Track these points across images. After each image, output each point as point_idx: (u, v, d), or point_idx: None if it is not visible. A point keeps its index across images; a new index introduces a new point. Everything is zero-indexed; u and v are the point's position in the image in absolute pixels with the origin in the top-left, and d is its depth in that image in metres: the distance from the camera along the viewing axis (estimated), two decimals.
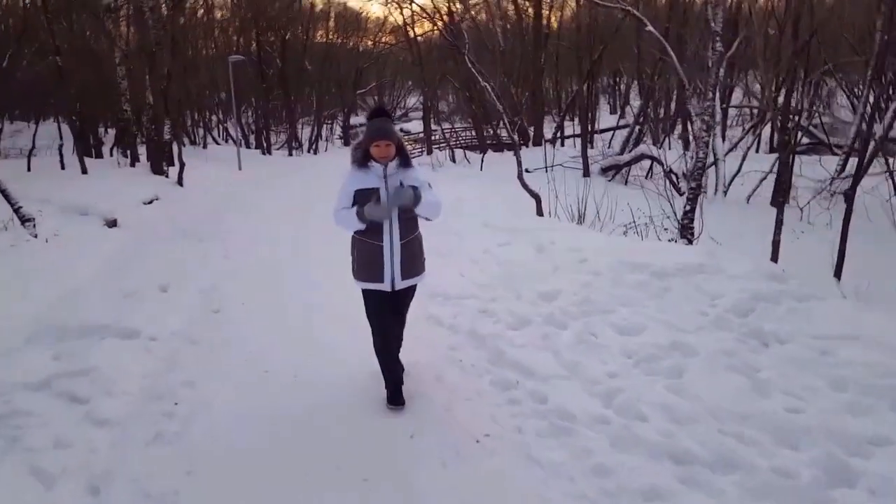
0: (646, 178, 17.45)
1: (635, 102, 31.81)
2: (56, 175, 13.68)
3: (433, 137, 26.64)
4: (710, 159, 14.05)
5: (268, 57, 30.17)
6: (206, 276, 6.85)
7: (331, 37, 35.79)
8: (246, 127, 32.80)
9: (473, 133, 26.12)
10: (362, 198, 3.57)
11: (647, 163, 17.65)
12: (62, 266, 6.32)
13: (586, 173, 17.85)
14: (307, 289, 6.33)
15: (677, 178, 14.46)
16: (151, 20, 14.76)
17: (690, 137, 14.61)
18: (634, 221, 9.31)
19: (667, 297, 5.13)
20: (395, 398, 3.82)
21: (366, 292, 3.76)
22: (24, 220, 7.95)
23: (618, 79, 33.35)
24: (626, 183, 17.23)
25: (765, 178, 13.74)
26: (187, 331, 5.14)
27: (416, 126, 41.88)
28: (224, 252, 8.19)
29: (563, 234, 7.50)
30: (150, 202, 11.73)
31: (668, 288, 5.25)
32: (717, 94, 10.24)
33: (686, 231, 9.49)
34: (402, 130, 41.46)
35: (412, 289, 3.91)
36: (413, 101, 48.19)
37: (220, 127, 33.10)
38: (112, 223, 9.50)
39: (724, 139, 16.44)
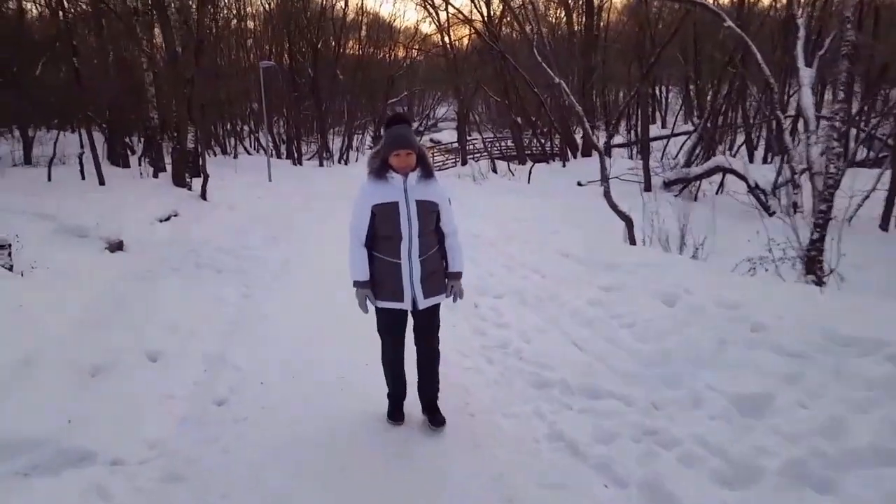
0: (716, 193, 15.18)
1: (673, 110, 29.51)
2: (73, 187, 11.94)
3: (467, 147, 24.64)
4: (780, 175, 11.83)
5: (300, 66, 28.57)
6: (217, 331, 4.88)
7: (362, 48, 34.05)
8: (277, 137, 31.15)
9: (509, 143, 24.09)
10: (381, 213, 3.16)
11: (715, 177, 15.37)
12: (18, 321, 4.41)
13: (648, 187, 15.63)
14: (353, 359, 4.31)
15: (765, 195, 12.21)
16: (175, 22, 13.02)
17: (785, 146, 12.34)
18: (754, 257, 7.13)
19: None
20: (394, 414, 3.52)
21: (380, 309, 3.34)
22: None
23: (660, 87, 31.02)
24: (695, 199, 14.98)
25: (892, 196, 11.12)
26: (174, 447, 3.15)
27: (446, 136, 39.97)
28: (244, 289, 6.24)
29: (694, 276, 5.38)
30: (168, 219, 9.88)
31: None
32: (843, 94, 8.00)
33: (813, 265, 7.29)
34: (432, 141, 39.58)
35: (436, 308, 3.40)
36: (443, 111, 46.28)
37: (252, 137, 31.48)
38: (116, 246, 7.62)
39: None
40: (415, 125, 47.69)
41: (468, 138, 24.46)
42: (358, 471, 3.01)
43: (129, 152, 20.11)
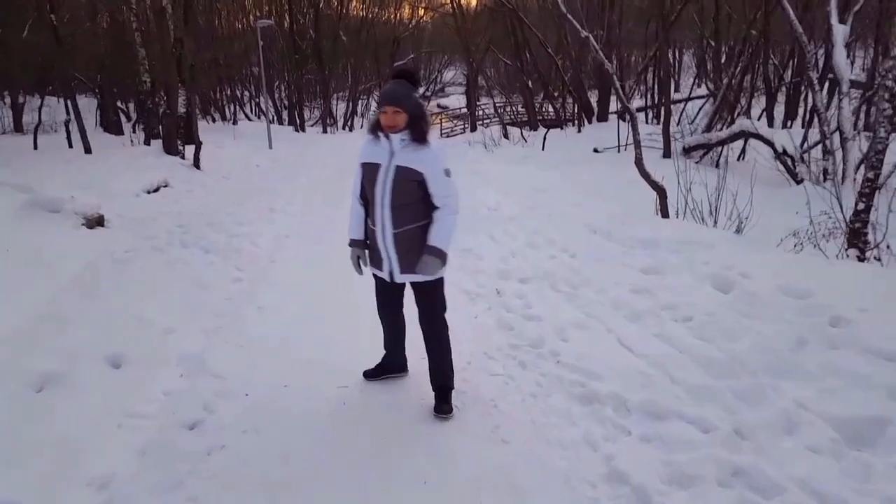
0: (738, 159, 14.27)
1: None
2: (58, 155, 11.18)
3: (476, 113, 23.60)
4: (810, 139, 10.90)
5: (301, 28, 27.33)
6: (198, 328, 4.14)
7: (366, 7, 32.60)
8: (279, 102, 30.07)
9: (520, 108, 23.01)
10: (365, 173, 3.00)
11: (736, 143, 14.43)
12: None
13: (667, 153, 14.72)
14: (364, 362, 3.56)
15: (793, 161, 11.31)
16: None
17: (817, 109, 11.34)
18: (799, 230, 6.30)
19: None
20: (374, 372, 3.39)
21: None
22: None
23: (673, 50, 29.55)
24: (716, 165, 14.06)
25: None
26: (125, 493, 2.44)
27: (453, 101, 38.70)
28: (235, 273, 5.50)
29: (744, 255, 4.59)
30: (156, 190, 9.10)
31: None
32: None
33: (857, 238, 6.47)
34: (439, 106, 38.34)
35: (427, 286, 3.04)
36: (450, 75, 44.82)
37: (252, 103, 30.39)
38: (95, 222, 6.85)
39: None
40: (421, 89, 46.07)
41: (483, 103, 23.34)
42: None
43: (123, 118, 19.25)
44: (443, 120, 28.64)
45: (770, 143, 11.89)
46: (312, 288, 5.07)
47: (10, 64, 16.74)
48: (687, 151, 14.52)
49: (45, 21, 10.71)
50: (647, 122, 19.65)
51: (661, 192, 6.72)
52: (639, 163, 7.02)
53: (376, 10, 32.16)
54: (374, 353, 3.46)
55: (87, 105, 20.98)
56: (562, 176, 10.56)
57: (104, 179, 8.60)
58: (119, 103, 20.01)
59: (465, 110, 28.24)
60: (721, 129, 14.72)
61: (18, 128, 18.58)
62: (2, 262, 4.96)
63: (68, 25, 17.15)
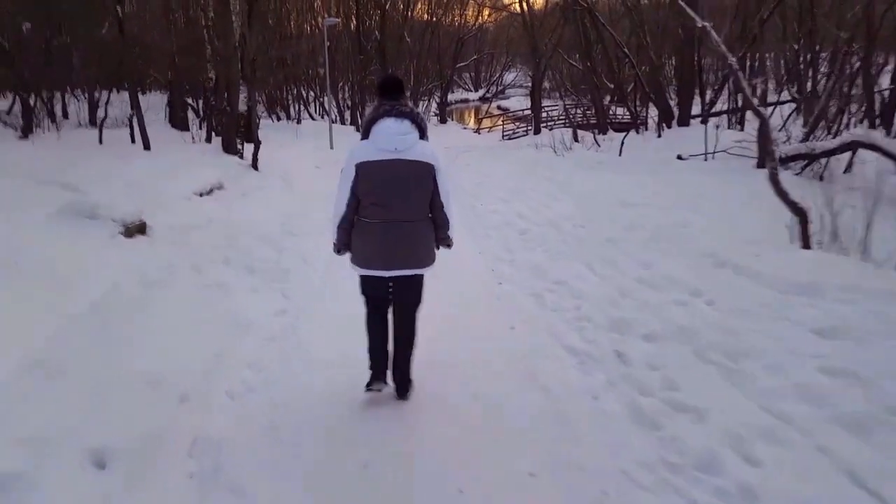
0: (844, 172, 12.32)
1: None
2: (118, 151, 10.50)
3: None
4: None
5: (367, 29, 26.55)
6: (222, 391, 3.05)
7: (431, 9, 31.51)
8: (342, 102, 29.39)
9: (586, 111, 21.40)
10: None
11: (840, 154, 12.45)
12: None
13: (761, 163, 12.89)
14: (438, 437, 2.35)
15: None
16: None
17: None
18: None
19: None
20: (379, 381, 3.06)
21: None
22: None
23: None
24: (820, 178, 12.19)
25: None
26: None
27: (514, 103, 37.19)
28: (280, 300, 4.43)
29: None
30: (209, 192, 8.18)
31: None
32: None
33: None
34: (500, 108, 36.92)
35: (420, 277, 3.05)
36: (510, 77, 43.29)
37: (317, 102, 29.85)
38: (136, 229, 5.92)
39: None
40: (481, 91, 45.02)
41: (552, 105, 21.85)
42: None
43: (193, 115, 18.84)
44: (504, 122, 27.25)
45: (891, 156, 10.04)
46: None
47: (88, 60, 16.51)
48: (783, 162, 12.67)
49: (110, 13, 10.05)
50: (727, 128, 17.72)
51: (802, 216, 5.24)
52: (773, 178, 5.55)
53: (441, 11, 31.04)
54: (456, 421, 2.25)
55: (160, 101, 20.75)
56: (649, 187, 9.09)
57: (155, 179, 7.75)
58: (189, 99, 19.64)
59: (527, 112, 26.77)
60: (823, 137, 12.83)
61: (93, 121, 18.45)
62: (16, 283, 4.01)
63: (137, 20, 16.82)
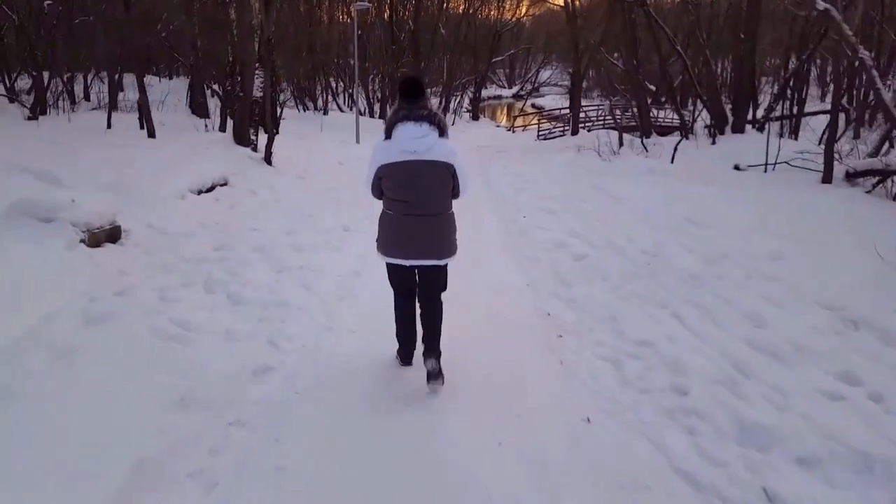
0: None
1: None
2: (123, 138, 9.45)
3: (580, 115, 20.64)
4: None
5: (400, 19, 25.28)
6: None
7: (467, 4, 30.07)
8: (371, 95, 28.20)
9: (626, 112, 19.86)
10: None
11: None
12: None
13: (827, 178, 11.33)
14: None
15: None
16: None
17: None
18: None
19: None
20: (408, 358, 3.25)
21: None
22: None
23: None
24: (894, 198, 10.61)
25: None
26: None
27: (549, 102, 35.59)
28: (265, 352, 3.21)
29: None
30: (210, 189, 7.04)
31: None
32: None
33: None
34: (534, 106, 35.38)
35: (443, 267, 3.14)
36: (546, 75, 41.61)
37: (346, 94, 28.69)
38: (105, 236, 4.77)
39: None
40: (515, 88, 43.31)
41: (596, 105, 20.35)
42: None
43: (217, 101, 17.84)
44: (540, 121, 25.77)
45: None
46: (390, 399, 2.68)
47: (108, 41, 15.63)
48: (850, 177, 11.08)
49: None
50: (781, 136, 16.06)
51: None
52: None
53: (479, 3, 29.60)
54: None
55: (183, 85, 19.83)
56: (715, 202, 7.68)
57: (149, 172, 6.63)
58: (214, 84, 18.66)
59: (564, 111, 25.26)
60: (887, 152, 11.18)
61: (114, 105, 17.60)
62: None
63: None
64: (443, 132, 2.93)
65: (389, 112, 3.04)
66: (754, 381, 2.89)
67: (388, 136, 2.91)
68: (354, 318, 3.82)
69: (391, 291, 3.21)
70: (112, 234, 4.89)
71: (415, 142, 2.82)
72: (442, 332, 3.04)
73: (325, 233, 5.85)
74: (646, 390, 2.87)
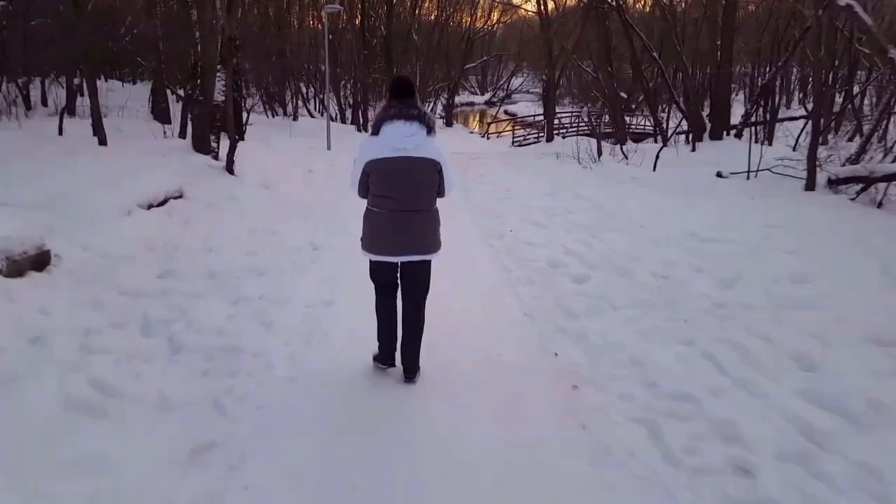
0: None
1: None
2: (71, 146, 8.49)
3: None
4: None
5: (372, 23, 24.52)
6: None
7: (441, 7, 29.47)
8: (343, 101, 27.34)
9: (599, 120, 19.46)
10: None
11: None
12: None
13: (811, 185, 10.97)
14: None
15: None
16: None
17: None
18: None
19: None
20: (387, 360, 3.14)
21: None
22: None
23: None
24: (878, 205, 10.29)
25: None
26: None
27: (521, 108, 35.20)
28: (207, 432, 2.46)
29: None
30: (163, 203, 6.18)
31: None
32: None
33: None
34: (507, 113, 34.95)
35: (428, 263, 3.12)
36: (518, 82, 41.27)
37: (316, 99, 27.76)
38: (29, 264, 3.95)
39: None
40: (487, 95, 42.91)
41: (570, 112, 19.89)
42: None
43: (180, 106, 16.83)
44: (514, 128, 25.28)
45: None
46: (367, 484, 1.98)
47: (66, 44, 14.54)
48: (833, 184, 10.75)
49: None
50: (758, 142, 15.81)
51: None
52: None
53: (451, 10, 29.04)
54: None
55: (147, 90, 18.75)
56: (710, 212, 7.16)
57: (93, 185, 5.76)
58: (179, 88, 17.62)
59: (538, 118, 24.84)
60: (877, 159, 10.91)
61: (71, 111, 16.46)
62: None
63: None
64: (430, 131, 2.93)
65: (378, 110, 3.03)
66: (832, 455, 2.26)
67: (375, 132, 2.91)
68: (324, 366, 3.10)
69: (371, 324, 3.06)
70: (38, 261, 4.05)
71: (404, 139, 2.83)
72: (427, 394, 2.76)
73: (292, 252, 5.10)
74: (699, 470, 2.22)
